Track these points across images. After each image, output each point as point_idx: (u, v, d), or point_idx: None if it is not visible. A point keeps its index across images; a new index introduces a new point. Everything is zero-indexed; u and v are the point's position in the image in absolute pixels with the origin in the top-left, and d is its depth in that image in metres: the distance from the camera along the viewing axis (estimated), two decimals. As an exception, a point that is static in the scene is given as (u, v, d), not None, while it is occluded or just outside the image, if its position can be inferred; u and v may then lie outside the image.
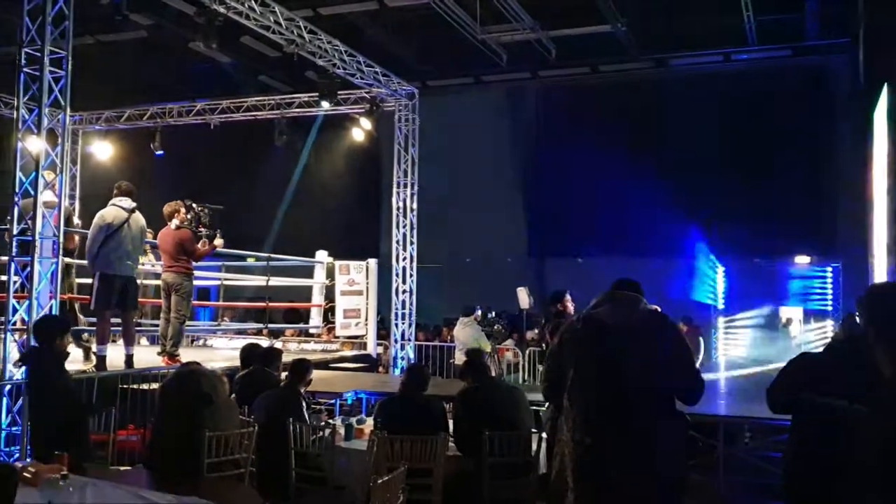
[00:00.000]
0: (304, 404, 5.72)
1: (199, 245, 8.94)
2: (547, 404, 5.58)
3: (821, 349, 3.91)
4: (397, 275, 12.62)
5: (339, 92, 12.35)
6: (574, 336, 3.70)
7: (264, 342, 11.92)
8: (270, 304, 11.77)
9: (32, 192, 6.99)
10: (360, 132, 13.40)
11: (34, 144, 7.09)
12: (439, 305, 20.28)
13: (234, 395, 6.29)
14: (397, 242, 12.68)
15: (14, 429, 6.77)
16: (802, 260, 18.41)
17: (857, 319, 3.95)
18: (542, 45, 17.00)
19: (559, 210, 19.34)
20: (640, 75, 18.40)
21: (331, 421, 6.36)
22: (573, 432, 3.60)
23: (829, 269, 17.89)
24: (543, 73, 19.16)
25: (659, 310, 3.89)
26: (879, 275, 11.13)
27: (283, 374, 6.49)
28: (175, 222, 8.83)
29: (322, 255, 13.00)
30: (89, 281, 7.97)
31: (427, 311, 19.10)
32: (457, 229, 20.32)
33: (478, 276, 19.86)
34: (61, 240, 7.26)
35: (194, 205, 9.10)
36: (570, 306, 7.59)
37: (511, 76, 19.23)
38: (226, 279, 12.26)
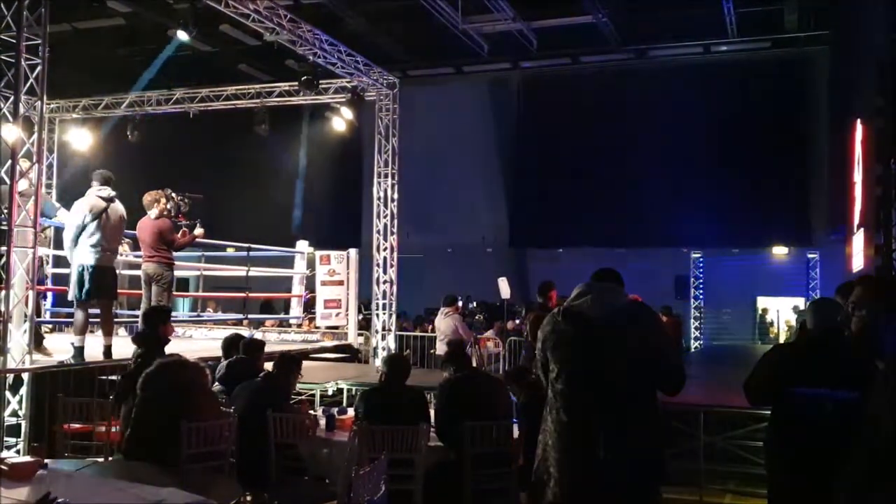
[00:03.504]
0: (284, 395, 5.68)
1: (178, 235, 8.86)
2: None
3: (793, 340, 3.97)
4: (378, 265, 12.55)
5: (321, 81, 12.27)
6: (555, 329, 3.65)
7: (245, 332, 11.92)
8: (250, 294, 11.70)
9: (7, 181, 6.90)
10: (341, 122, 13.24)
11: (9, 133, 6.99)
12: (420, 295, 20.28)
13: (216, 385, 6.26)
14: (378, 232, 12.59)
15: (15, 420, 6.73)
16: (780, 250, 18.58)
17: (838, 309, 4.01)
18: (524, 36, 16.98)
19: (540, 201, 19.38)
20: (621, 66, 18.43)
21: (311, 412, 6.34)
22: (556, 424, 3.60)
23: (807, 259, 18.04)
24: (525, 64, 19.15)
25: (640, 300, 3.88)
26: (857, 265, 11.22)
27: (269, 365, 6.44)
28: (154, 212, 8.72)
29: (303, 245, 12.94)
30: (67, 271, 7.89)
31: (408, 302, 19.11)
32: (438, 219, 20.33)
33: (459, 267, 19.88)
34: (37, 229, 7.18)
35: (174, 194, 9.00)
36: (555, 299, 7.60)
37: (493, 67, 19.19)
38: (205, 269, 12.17)
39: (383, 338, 12.30)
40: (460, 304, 11.84)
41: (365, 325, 13.15)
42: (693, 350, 17.84)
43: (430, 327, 12.51)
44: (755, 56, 17.65)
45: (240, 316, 12.29)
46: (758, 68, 17.67)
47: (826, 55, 16.84)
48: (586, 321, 3.56)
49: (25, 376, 6.83)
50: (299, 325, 12.94)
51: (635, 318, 3.60)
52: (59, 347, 8.23)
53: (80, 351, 7.69)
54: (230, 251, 12.60)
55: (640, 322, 3.60)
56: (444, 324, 11.68)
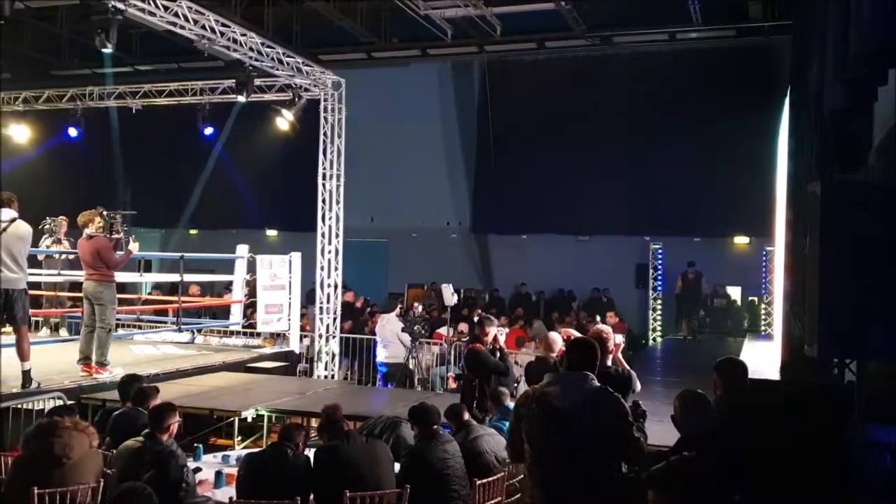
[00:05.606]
0: (167, 456, 5.32)
1: (115, 253, 8.99)
2: None
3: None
4: (322, 268, 12.33)
5: (264, 79, 12.00)
6: (529, 413, 4.22)
7: (184, 338, 11.82)
8: (184, 300, 11.50)
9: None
10: (284, 122, 12.72)
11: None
12: (383, 279, 20.18)
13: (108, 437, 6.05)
14: (323, 236, 12.35)
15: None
16: (741, 240, 18.51)
17: None
18: (487, 22, 16.68)
19: (503, 186, 19.10)
20: (586, 52, 18.07)
21: (196, 464, 6.08)
22: (532, 495, 4.28)
23: (766, 250, 17.90)
24: (490, 48, 18.75)
25: (608, 389, 4.27)
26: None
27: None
28: (88, 231, 8.93)
29: (242, 250, 12.73)
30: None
31: (373, 286, 19.02)
32: (402, 203, 20.12)
33: (424, 251, 19.75)
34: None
35: (105, 212, 9.15)
36: (491, 335, 7.52)
37: (457, 50, 18.79)
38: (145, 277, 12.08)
39: (327, 341, 12.17)
40: (401, 307, 11.76)
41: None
42: (650, 343, 17.84)
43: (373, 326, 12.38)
44: (720, 45, 17.32)
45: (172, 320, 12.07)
46: (722, 57, 17.34)
47: (790, 45, 16.48)
48: (555, 410, 4.12)
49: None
50: (239, 331, 12.56)
51: (599, 407, 4.14)
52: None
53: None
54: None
55: (603, 410, 4.15)
56: (385, 330, 11.59)
